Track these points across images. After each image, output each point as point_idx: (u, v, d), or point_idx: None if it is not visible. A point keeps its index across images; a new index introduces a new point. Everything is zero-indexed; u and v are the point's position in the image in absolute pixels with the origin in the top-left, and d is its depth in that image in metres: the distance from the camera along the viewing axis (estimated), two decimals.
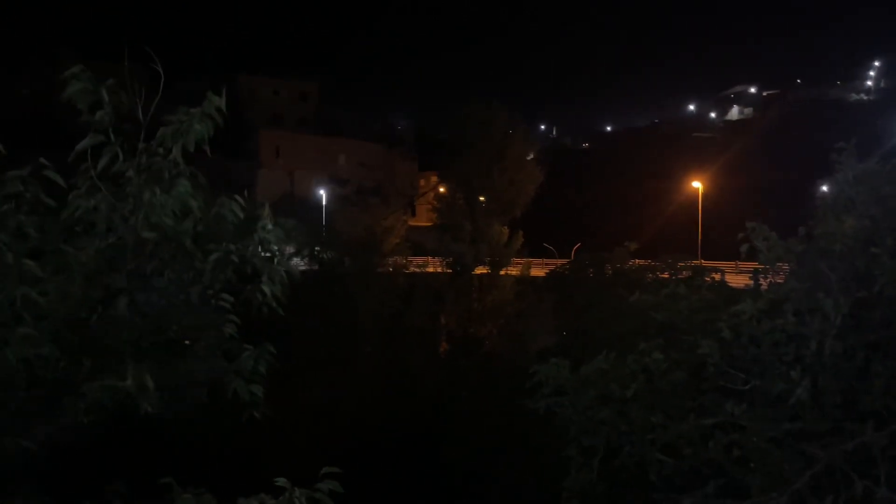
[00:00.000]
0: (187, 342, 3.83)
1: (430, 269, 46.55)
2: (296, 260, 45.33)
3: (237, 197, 3.66)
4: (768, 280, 6.68)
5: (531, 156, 49.05)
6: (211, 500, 3.57)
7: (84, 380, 3.16)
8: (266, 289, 3.78)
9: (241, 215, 3.60)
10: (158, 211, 3.29)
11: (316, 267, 42.87)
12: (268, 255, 3.81)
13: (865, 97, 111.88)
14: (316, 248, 43.54)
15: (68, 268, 3.13)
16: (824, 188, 7.33)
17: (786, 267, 6.37)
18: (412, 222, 62.82)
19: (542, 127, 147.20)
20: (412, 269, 44.89)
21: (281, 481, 3.65)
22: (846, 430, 5.27)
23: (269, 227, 3.70)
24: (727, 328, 5.84)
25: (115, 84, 3.45)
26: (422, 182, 76.07)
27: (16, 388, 2.95)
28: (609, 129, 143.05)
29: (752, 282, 6.85)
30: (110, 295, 3.33)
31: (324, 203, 57.89)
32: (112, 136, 3.42)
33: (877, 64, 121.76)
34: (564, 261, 42.41)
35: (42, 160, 3.22)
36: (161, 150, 3.51)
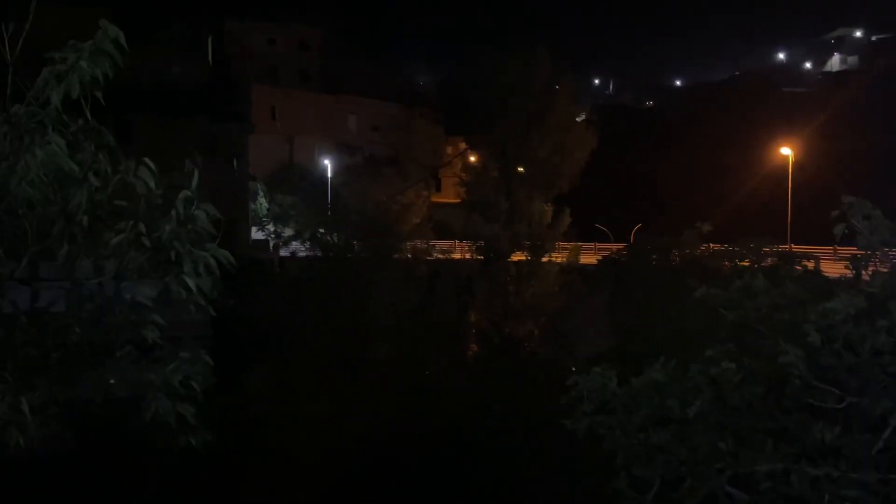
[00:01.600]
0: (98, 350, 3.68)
1: (457, 256, 46.60)
2: (295, 244, 45.81)
3: (146, 160, 3.43)
4: (871, 270, 6.42)
5: (582, 116, 48.66)
6: None
7: None
8: (189, 281, 3.53)
9: (153, 184, 3.36)
10: (19, 177, 3.05)
11: (319, 252, 43.18)
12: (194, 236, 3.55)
13: None
14: (320, 230, 43.84)
15: None
16: None
17: (894, 254, 6.13)
18: (436, 198, 62.94)
19: (597, 82, 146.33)
20: (436, 255, 44.96)
21: None
22: None
23: (194, 199, 3.44)
24: (815, 332, 5.62)
25: None
26: (448, 150, 75.99)
27: None
28: (679, 83, 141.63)
29: (850, 272, 6.59)
30: None
31: (329, 175, 58.15)
32: None
33: None
34: (621, 245, 42.12)
35: None
36: (53, 97, 3.29)
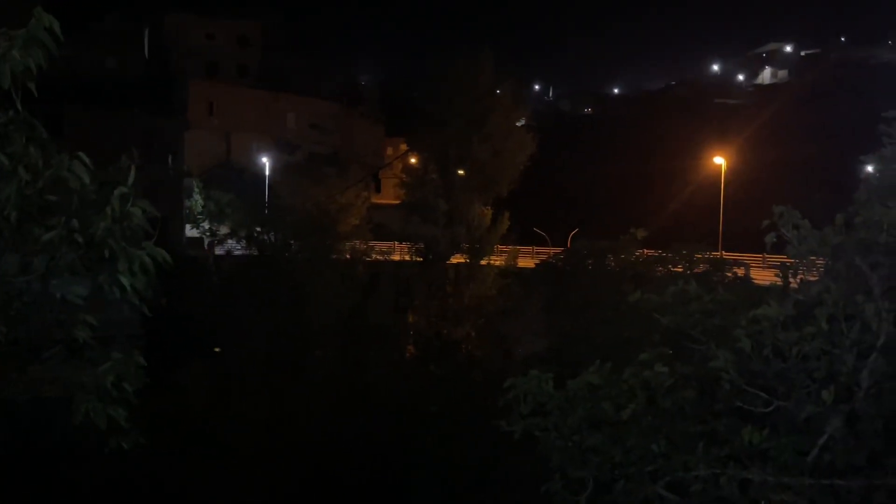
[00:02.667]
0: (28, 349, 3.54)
1: (397, 257, 46.44)
2: (231, 242, 45.06)
3: (81, 155, 3.32)
4: (799, 278, 6.60)
5: (522, 122, 48.94)
6: None
7: None
8: (124, 280, 3.42)
9: (87, 179, 3.25)
10: None
11: (256, 251, 42.57)
12: (129, 234, 3.44)
13: None
14: (256, 229, 43.23)
15: None
16: (869, 167, 7.27)
17: (821, 262, 6.29)
18: (376, 199, 62.63)
19: (536, 87, 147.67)
20: (375, 256, 44.74)
21: None
22: (887, 464, 5.22)
23: (129, 196, 3.34)
24: (746, 337, 5.74)
25: None
26: (388, 151, 75.84)
27: None
28: (616, 92, 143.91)
29: (779, 279, 6.76)
30: None
31: (267, 173, 57.36)
32: None
33: None
34: (559, 249, 42.52)
35: None
36: None
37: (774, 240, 6.13)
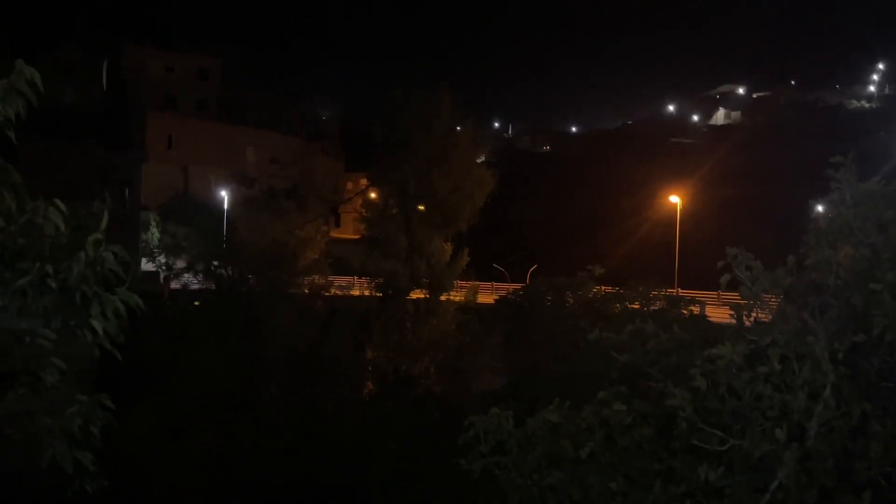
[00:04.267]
0: None
1: (356, 292, 46.25)
2: (187, 276, 44.45)
3: (57, 201, 3.35)
4: (753, 317, 6.74)
5: (482, 158, 49.41)
6: None
7: None
8: (97, 325, 3.44)
9: (62, 225, 3.28)
10: None
11: (213, 285, 42.04)
12: (102, 279, 3.47)
13: (867, 104, 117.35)
14: (214, 263, 42.73)
15: None
16: (819, 208, 7.47)
17: (775, 302, 6.43)
18: (335, 234, 62.53)
19: (496, 125, 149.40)
20: (334, 290, 44.48)
21: None
22: (839, 501, 5.31)
23: (102, 241, 3.38)
24: (701, 376, 5.83)
25: None
26: (348, 185, 75.85)
27: None
28: (574, 130, 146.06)
29: (733, 319, 6.90)
30: None
31: (226, 206, 56.92)
32: None
33: (881, 67, 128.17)
34: (518, 285, 42.72)
35: None
36: None
37: (728, 280, 6.26)
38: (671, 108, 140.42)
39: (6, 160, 3.52)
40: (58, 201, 3.35)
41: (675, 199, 52.01)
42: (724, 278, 6.28)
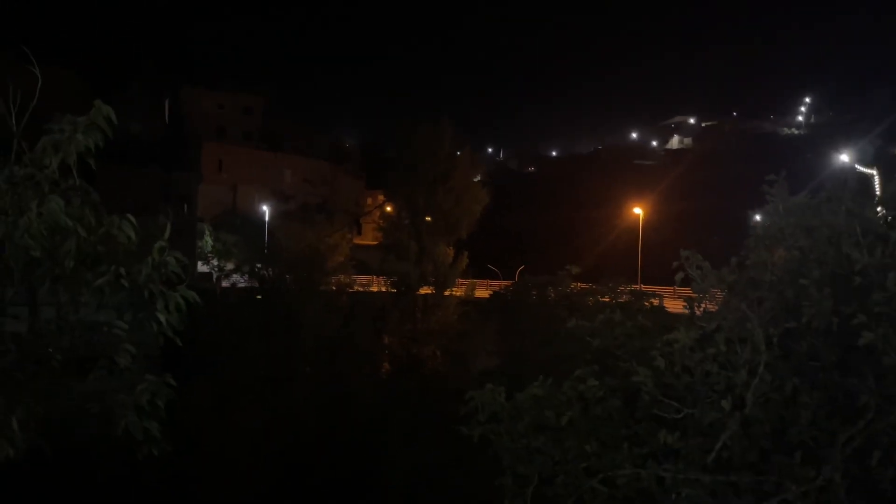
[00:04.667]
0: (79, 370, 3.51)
1: (375, 289, 46.20)
2: (236, 276, 44.46)
3: (129, 216, 3.40)
4: (702, 308, 6.72)
5: (478, 177, 49.37)
6: None
7: None
8: (161, 317, 3.47)
9: (133, 236, 3.32)
10: (22, 230, 2.99)
11: (256, 284, 42.06)
12: (166, 279, 3.51)
13: (797, 131, 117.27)
14: (257, 265, 42.76)
15: None
16: (757, 217, 7.46)
17: (721, 295, 6.41)
18: (358, 241, 62.45)
19: (490, 150, 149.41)
20: (356, 287, 44.46)
21: None
22: (774, 460, 5.29)
23: (166, 248, 3.42)
24: (661, 357, 5.82)
25: None
26: (369, 200, 75.75)
27: None
28: (554, 154, 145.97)
29: (686, 309, 6.88)
30: None
31: (267, 219, 56.96)
32: None
33: (808, 100, 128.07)
34: (508, 283, 42.67)
35: None
36: (47, 162, 3.20)
37: (681, 278, 6.25)
38: (634, 135, 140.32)
39: (87, 183, 3.57)
40: (129, 216, 3.38)
41: (638, 211, 51.98)
42: (679, 276, 6.27)
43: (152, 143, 61.42)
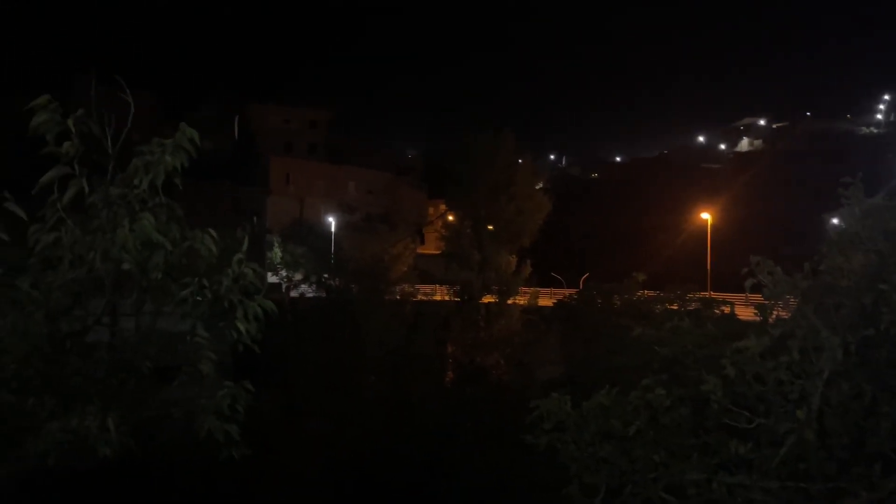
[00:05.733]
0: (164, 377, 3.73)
1: (438, 297, 46.41)
2: (304, 287, 45.47)
3: (210, 231, 3.59)
4: (775, 315, 6.55)
5: (540, 185, 49.16)
6: None
7: (45, 420, 3.09)
8: (241, 326, 3.65)
9: (214, 249, 3.51)
10: (118, 245, 3.23)
11: (323, 294, 42.88)
12: (245, 290, 3.69)
13: (875, 131, 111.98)
14: (324, 275, 43.61)
15: (22, 304, 3.06)
16: (833, 221, 7.23)
17: (794, 301, 6.24)
18: (421, 250, 62.87)
19: (552, 157, 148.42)
20: (420, 296, 44.76)
21: None
22: (853, 472, 5.11)
23: (244, 260, 3.60)
24: (731, 365, 5.71)
25: (83, 115, 3.40)
26: (431, 210, 76.33)
27: None
28: (618, 159, 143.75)
29: (758, 316, 6.71)
30: (77, 330, 3.26)
31: (332, 230, 58.09)
32: (77, 168, 3.39)
33: (886, 98, 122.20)
34: (573, 291, 42.22)
35: (5, 194, 3.19)
36: (137, 182, 3.42)
37: (752, 284, 6.11)
38: (701, 138, 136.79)
39: (171, 199, 3.81)
40: (211, 231, 3.58)
41: (705, 216, 50.65)
42: (749, 282, 6.14)
43: (223, 159, 63.77)
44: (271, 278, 50.96)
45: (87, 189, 3.40)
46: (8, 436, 3.13)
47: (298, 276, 46.38)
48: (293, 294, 47.33)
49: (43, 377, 3.20)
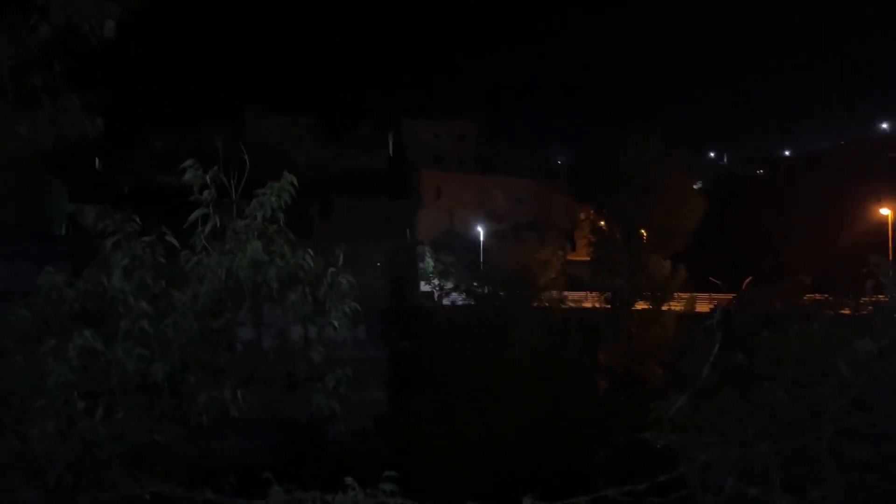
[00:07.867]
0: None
1: (587, 304, 46.06)
2: (455, 295, 46.97)
3: (309, 250, 4.57)
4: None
5: (699, 184, 47.34)
6: (302, 495, 4.34)
7: (198, 391, 4.30)
8: (335, 323, 4.68)
9: (312, 264, 4.49)
10: (236, 264, 4.36)
11: (473, 301, 44.07)
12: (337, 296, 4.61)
13: None
14: (473, 283, 44.79)
15: (174, 308, 4.18)
16: None
17: None
18: (571, 256, 62.53)
19: (712, 154, 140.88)
20: (568, 303, 44.69)
21: (348, 480, 4.34)
22: None
23: (338, 271, 4.50)
24: (845, 366, 5.67)
25: (217, 171, 4.58)
26: (581, 215, 75.64)
27: (128, 392, 4.05)
28: (788, 153, 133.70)
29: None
30: (221, 328, 4.31)
31: (481, 239, 59.39)
32: (212, 210, 4.63)
33: None
34: (733, 295, 40.21)
35: (164, 229, 4.37)
36: (258, 215, 4.50)
37: (872, 285, 6.00)
38: (885, 125, 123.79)
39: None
40: (310, 250, 4.61)
41: (885, 212, 46.12)
42: (870, 283, 6.04)
43: (377, 174, 67.58)
44: (424, 287, 53.08)
45: (218, 224, 4.59)
46: (176, 402, 4.33)
47: (450, 285, 47.93)
48: (445, 302, 48.98)
49: (196, 361, 4.36)
